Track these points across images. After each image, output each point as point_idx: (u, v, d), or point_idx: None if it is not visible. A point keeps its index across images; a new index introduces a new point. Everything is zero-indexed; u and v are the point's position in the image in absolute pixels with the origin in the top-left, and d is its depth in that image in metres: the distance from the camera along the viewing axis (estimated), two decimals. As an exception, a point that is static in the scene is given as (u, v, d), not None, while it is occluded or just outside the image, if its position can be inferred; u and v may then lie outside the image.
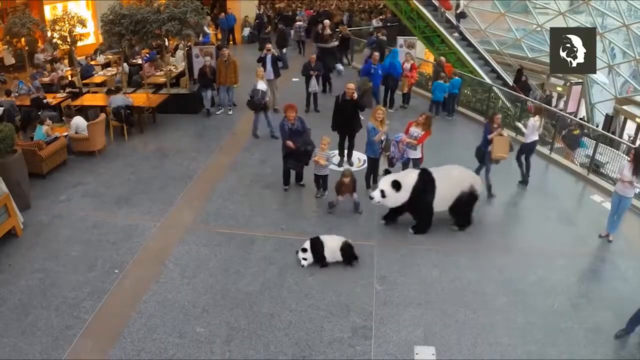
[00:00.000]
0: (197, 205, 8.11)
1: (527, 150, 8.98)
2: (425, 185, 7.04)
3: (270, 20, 21.36)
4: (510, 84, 16.38)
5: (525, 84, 16.41)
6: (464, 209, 7.36)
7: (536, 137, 8.97)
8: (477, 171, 8.34)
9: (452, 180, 7.20)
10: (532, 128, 8.88)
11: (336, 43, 15.29)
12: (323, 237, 6.65)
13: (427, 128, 7.92)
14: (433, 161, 9.38)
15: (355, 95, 8.74)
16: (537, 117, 9.05)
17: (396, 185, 6.92)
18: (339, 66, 15.00)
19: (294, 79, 14.72)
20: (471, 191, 7.27)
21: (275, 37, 17.69)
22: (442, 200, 7.19)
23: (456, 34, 17.85)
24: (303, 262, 6.57)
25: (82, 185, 8.72)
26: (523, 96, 13.78)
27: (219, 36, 19.91)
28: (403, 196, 7.03)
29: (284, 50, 16.41)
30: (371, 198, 7.06)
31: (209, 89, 11.99)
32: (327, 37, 14.85)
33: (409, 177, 7.08)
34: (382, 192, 6.96)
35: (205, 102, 12.09)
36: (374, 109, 8.13)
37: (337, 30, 17.40)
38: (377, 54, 12.12)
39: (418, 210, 7.27)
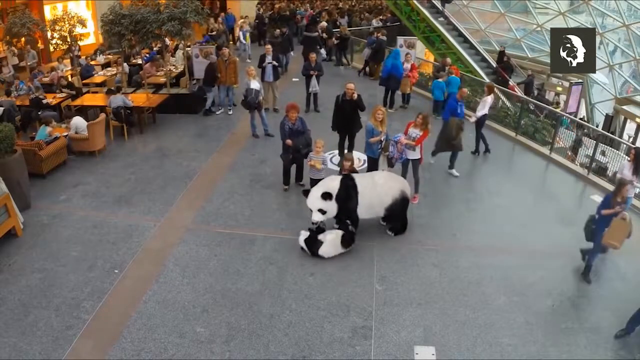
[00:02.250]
0: (197, 205, 8.10)
1: (477, 123, 10.10)
2: (347, 191, 6.78)
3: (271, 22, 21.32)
4: (494, 65, 17.10)
5: (507, 64, 17.19)
6: (399, 215, 7.23)
7: (486, 112, 10.00)
8: (587, 253, 6.69)
9: (378, 189, 6.96)
10: (483, 103, 10.01)
11: (316, 33, 16.49)
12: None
13: (425, 128, 7.90)
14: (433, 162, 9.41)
15: (355, 96, 8.73)
16: (492, 96, 10.20)
17: (327, 196, 6.65)
18: (322, 52, 16.29)
19: (294, 79, 14.76)
20: (403, 197, 7.09)
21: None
22: (368, 208, 6.96)
23: (441, 19, 18.05)
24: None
25: (82, 185, 8.72)
26: (523, 94, 13.85)
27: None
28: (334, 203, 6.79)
29: (292, 53, 16.36)
30: (314, 223, 6.78)
31: (213, 88, 12.01)
32: (311, 27, 16.85)
33: (333, 184, 6.82)
34: (320, 210, 6.68)
35: (209, 101, 12.10)
36: (374, 109, 8.10)
37: (337, 30, 17.47)
38: (465, 90, 10.89)
39: (346, 217, 7.01)
